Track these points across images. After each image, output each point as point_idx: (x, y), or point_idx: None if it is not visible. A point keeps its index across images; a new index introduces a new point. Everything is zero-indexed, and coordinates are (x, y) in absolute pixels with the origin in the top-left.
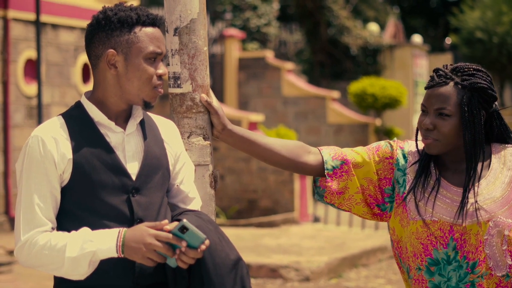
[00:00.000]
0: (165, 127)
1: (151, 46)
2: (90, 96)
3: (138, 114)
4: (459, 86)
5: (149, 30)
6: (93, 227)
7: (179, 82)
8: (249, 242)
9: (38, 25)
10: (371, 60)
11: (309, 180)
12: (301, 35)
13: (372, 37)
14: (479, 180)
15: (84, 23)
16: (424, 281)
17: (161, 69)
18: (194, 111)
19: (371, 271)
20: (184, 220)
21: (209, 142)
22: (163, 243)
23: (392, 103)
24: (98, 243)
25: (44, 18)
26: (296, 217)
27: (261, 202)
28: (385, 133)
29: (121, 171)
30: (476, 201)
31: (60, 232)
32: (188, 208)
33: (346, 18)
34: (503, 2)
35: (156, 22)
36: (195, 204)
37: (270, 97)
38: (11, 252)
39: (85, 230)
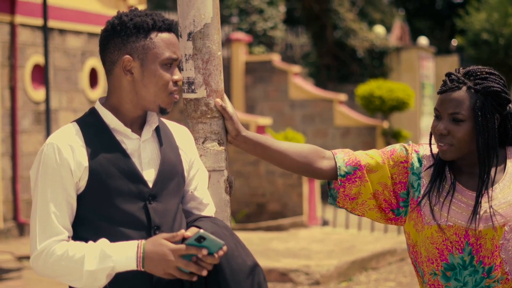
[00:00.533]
0: (180, 133)
1: (167, 52)
2: (105, 102)
3: (153, 120)
4: (472, 91)
5: (165, 35)
6: (110, 235)
7: (193, 87)
8: (258, 246)
9: (46, 30)
10: (377, 63)
11: (317, 183)
12: (307, 38)
13: (378, 40)
14: (493, 185)
15: (91, 28)
16: (440, 286)
17: (177, 75)
18: (208, 116)
19: (381, 274)
20: (201, 231)
21: (224, 148)
22: (183, 258)
23: (399, 106)
24: (117, 258)
25: (51, 23)
26: (304, 221)
27: (270, 205)
28: (393, 136)
29: (138, 178)
30: (491, 206)
31: (77, 242)
32: (202, 215)
33: (352, 21)
34: (510, 4)
35: (171, 27)
36: (209, 210)
37: (277, 100)
38: (20, 258)
39: (103, 242)
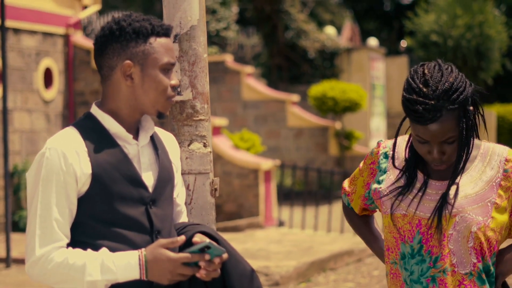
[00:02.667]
0: (168, 139)
1: (166, 57)
2: (102, 107)
3: (149, 126)
4: (452, 110)
5: (163, 40)
6: (110, 239)
7: (179, 89)
8: None
9: (4, 30)
10: (328, 64)
11: (273, 184)
12: (259, 39)
13: (329, 41)
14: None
15: (46, 27)
16: (399, 275)
17: (174, 79)
18: (194, 118)
19: (340, 275)
20: (208, 241)
21: (209, 150)
22: (187, 265)
23: (352, 107)
24: (120, 269)
25: (6, 22)
26: (261, 221)
27: (226, 206)
28: (345, 137)
29: (139, 183)
30: (445, 196)
31: (77, 250)
32: (190, 222)
33: (303, 22)
34: (458, 6)
35: (168, 32)
36: (184, 218)
37: (230, 101)
38: None
39: (104, 251)
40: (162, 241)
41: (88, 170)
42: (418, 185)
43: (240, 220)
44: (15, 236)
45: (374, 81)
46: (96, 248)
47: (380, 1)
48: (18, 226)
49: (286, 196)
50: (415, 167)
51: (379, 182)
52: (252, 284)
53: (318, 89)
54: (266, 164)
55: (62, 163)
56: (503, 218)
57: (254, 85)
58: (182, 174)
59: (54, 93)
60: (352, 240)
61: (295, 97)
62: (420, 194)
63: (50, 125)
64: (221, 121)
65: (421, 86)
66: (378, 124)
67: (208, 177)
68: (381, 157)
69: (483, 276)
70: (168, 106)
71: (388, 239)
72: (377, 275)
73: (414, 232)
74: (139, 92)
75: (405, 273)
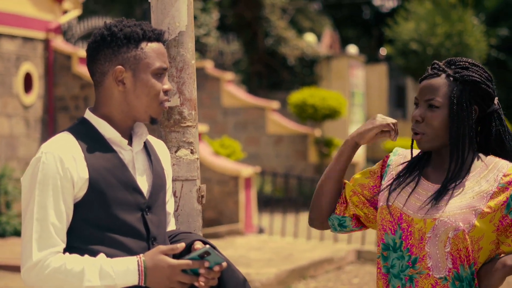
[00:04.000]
0: (159, 146)
1: (158, 61)
2: (95, 112)
3: (143, 131)
4: (451, 78)
5: (154, 45)
6: (105, 245)
7: (168, 96)
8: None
9: None
10: (308, 71)
11: (254, 191)
12: (239, 45)
13: (309, 48)
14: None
15: (26, 32)
16: (380, 267)
17: (167, 84)
18: (182, 125)
19: (320, 283)
20: (208, 246)
21: (196, 157)
22: (186, 273)
23: (332, 114)
24: (118, 275)
25: None
26: (241, 228)
27: (206, 213)
28: (325, 144)
29: (135, 188)
30: (433, 199)
31: (74, 256)
32: (178, 230)
33: (283, 29)
34: (437, 14)
35: (160, 37)
36: (172, 227)
37: (210, 107)
38: None
39: (101, 257)
40: (161, 247)
41: (85, 175)
42: (409, 180)
43: (220, 226)
44: None
45: (354, 89)
46: (92, 253)
47: (360, 9)
48: None
49: (266, 203)
50: (415, 166)
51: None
52: None
53: (298, 96)
54: (247, 171)
55: (59, 168)
56: (486, 228)
57: (234, 92)
58: None
59: (34, 98)
60: (332, 248)
61: (275, 104)
62: (409, 189)
63: (29, 130)
64: (201, 128)
65: (448, 60)
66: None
67: (195, 184)
68: (391, 159)
69: (456, 283)
70: (161, 111)
71: (377, 231)
72: (357, 283)
73: (396, 225)
74: (132, 97)
75: (386, 266)
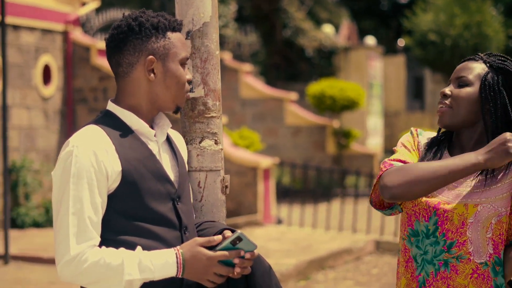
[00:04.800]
0: (176, 137)
1: (183, 51)
2: (119, 104)
3: (165, 122)
4: (487, 64)
5: (178, 35)
6: (139, 235)
7: (191, 86)
8: None
9: (4, 26)
10: (326, 62)
11: (272, 182)
12: (256, 37)
13: (327, 39)
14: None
15: (45, 24)
16: (407, 250)
17: (189, 74)
18: (206, 115)
19: (339, 273)
20: (239, 231)
21: (221, 147)
22: (222, 264)
23: (350, 105)
24: (157, 268)
25: (5, 19)
26: (259, 219)
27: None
28: (343, 135)
29: (166, 178)
30: (474, 183)
31: (111, 249)
32: (202, 220)
33: (301, 20)
34: (456, 5)
35: (181, 27)
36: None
37: (228, 99)
38: None
39: (139, 250)
40: (198, 239)
41: (118, 167)
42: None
43: (239, 217)
44: (13, 233)
45: (372, 80)
46: (125, 245)
47: (378, 0)
48: (15, 223)
49: (285, 194)
50: (445, 146)
51: None
52: (271, 281)
53: (316, 87)
54: (265, 162)
55: (93, 161)
56: None
57: (252, 83)
58: (193, 171)
59: (53, 90)
60: (351, 239)
61: (293, 96)
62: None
63: (48, 122)
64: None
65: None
66: (375, 123)
67: (219, 174)
68: (420, 138)
69: (497, 268)
70: (185, 100)
71: (403, 215)
72: (376, 273)
73: (431, 212)
74: (161, 87)
75: (416, 251)
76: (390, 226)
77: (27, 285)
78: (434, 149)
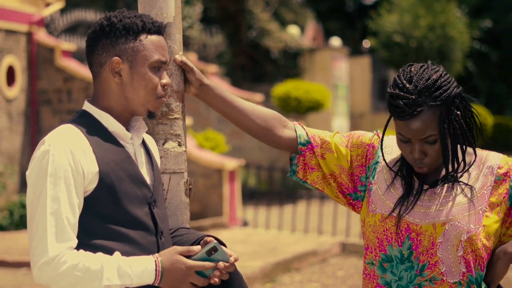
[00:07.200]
0: (149, 140)
1: (156, 54)
2: (95, 105)
3: (141, 125)
4: (434, 108)
5: (154, 38)
6: (114, 239)
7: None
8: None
9: None
10: (291, 63)
11: (238, 184)
12: (222, 38)
13: (292, 40)
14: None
15: (9, 24)
16: (375, 277)
17: (165, 78)
18: (169, 117)
19: (304, 275)
20: (215, 241)
21: (184, 149)
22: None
23: (315, 107)
24: (135, 274)
25: None
26: (225, 221)
27: (190, 206)
28: None
29: (142, 182)
30: (438, 202)
31: (89, 253)
32: (176, 226)
33: (266, 21)
34: (420, 6)
35: (161, 30)
36: None
37: (193, 100)
38: None
39: (118, 256)
40: (178, 248)
41: (95, 168)
42: (406, 186)
43: (204, 220)
44: None
45: (337, 81)
46: (100, 249)
47: (343, 1)
48: None
49: (251, 196)
50: (411, 172)
51: (370, 171)
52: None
53: (281, 89)
54: (231, 164)
55: (70, 160)
56: (494, 226)
57: None
58: None
59: (17, 91)
60: (316, 241)
61: (259, 97)
62: (413, 199)
63: (12, 123)
64: (186, 120)
65: (404, 82)
66: (340, 124)
67: (183, 176)
68: (378, 147)
69: (472, 287)
70: (159, 105)
71: (370, 238)
72: (342, 276)
73: (403, 237)
74: (129, 90)
75: (390, 276)
76: (356, 228)
77: None
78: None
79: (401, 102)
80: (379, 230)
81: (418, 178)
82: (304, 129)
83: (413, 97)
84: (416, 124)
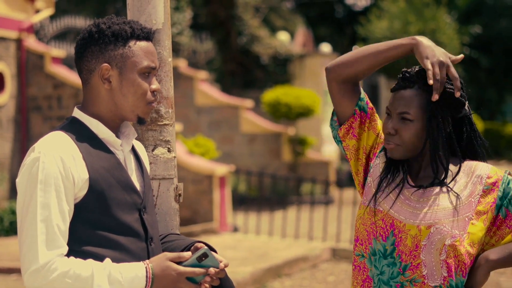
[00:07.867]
0: (139, 146)
1: (145, 60)
2: (85, 111)
3: (130, 131)
4: (424, 91)
5: (143, 44)
6: (104, 246)
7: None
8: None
9: None
10: (281, 70)
11: (228, 190)
12: (212, 44)
13: (282, 46)
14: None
15: None
16: (366, 270)
17: (155, 84)
18: (159, 123)
19: (295, 281)
20: (205, 247)
21: (174, 155)
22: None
23: (305, 113)
24: (126, 281)
25: None
26: (215, 227)
27: (180, 212)
28: (299, 142)
29: (132, 188)
30: (425, 204)
31: (80, 260)
32: (167, 232)
33: (256, 28)
34: (410, 12)
35: (150, 36)
36: None
37: (184, 106)
38: None
39: (108, 262)
40: (168, 254)
41: (85, 175)
42: (397, 180)
43: (194, 225)
44: None
45: (327, 87)
46: (90, 256)
47: (332, 7)
48: None
49: (241, 202)
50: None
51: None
52: None
53: (271, 95)
54: (221, 170)
55: (60, 167)
56: (479, 234)
57: (207, 91)
58: None
59: (6, 97)
60: (306, 246)
61: (249, 103)
62: (397, 190)
63: (1, 130)
64: (175, 127)
65: (417, 67)
66: (330, 130)
67: (172, 182)
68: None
69: None
70: (149, 111)
71: (360, 230)
72: (332, 281)
73: (388, 232)
74: (118, 96)
75: (374, 270)
76: (346, 234)
77: None
78: (393, 171)
79: (401, 77)
80: (367, 222)
81: (408, 180)
82: (366, 96)
83: (412, 73)
84: (399, 96)
